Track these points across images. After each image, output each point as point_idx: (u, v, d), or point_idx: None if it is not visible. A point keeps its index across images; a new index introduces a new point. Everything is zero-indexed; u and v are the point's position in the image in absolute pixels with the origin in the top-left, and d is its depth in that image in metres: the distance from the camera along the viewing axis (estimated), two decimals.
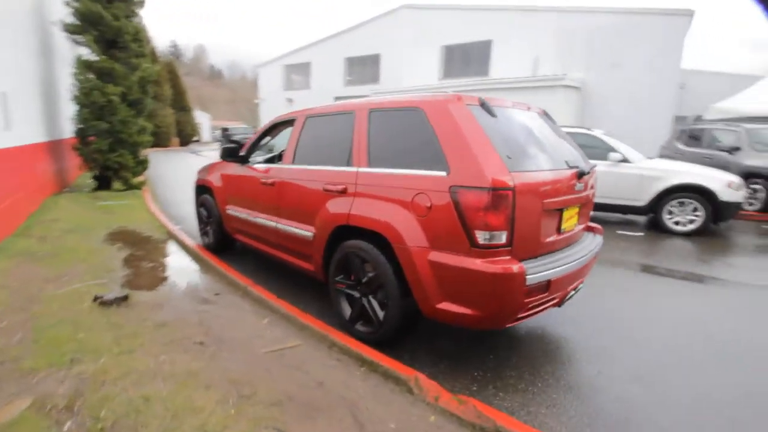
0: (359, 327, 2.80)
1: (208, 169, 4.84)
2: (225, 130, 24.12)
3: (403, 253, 2.40)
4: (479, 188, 2.12)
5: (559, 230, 2.55)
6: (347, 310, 2.90)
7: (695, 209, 6.02)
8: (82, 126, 7.55)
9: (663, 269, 4.64)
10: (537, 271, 2.22)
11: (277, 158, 4.40)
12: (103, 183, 8.30)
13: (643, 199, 6.25)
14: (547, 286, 2.31)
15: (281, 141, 4.95)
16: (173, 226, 5.78)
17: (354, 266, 2.79)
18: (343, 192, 2.82)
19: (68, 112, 7.85)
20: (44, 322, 2.83)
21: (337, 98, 23.19)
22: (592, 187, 2.93)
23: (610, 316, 3.37)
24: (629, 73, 14.77)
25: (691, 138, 9.47)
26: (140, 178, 9.03)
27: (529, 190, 2.26)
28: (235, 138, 21.90)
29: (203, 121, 43.58)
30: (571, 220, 2.66)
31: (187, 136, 33.71)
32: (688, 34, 14.47)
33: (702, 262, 5.04)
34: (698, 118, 15.02)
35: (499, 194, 2.11)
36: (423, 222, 2.35)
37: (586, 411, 2.17)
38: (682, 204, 6.10)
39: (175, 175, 13.52)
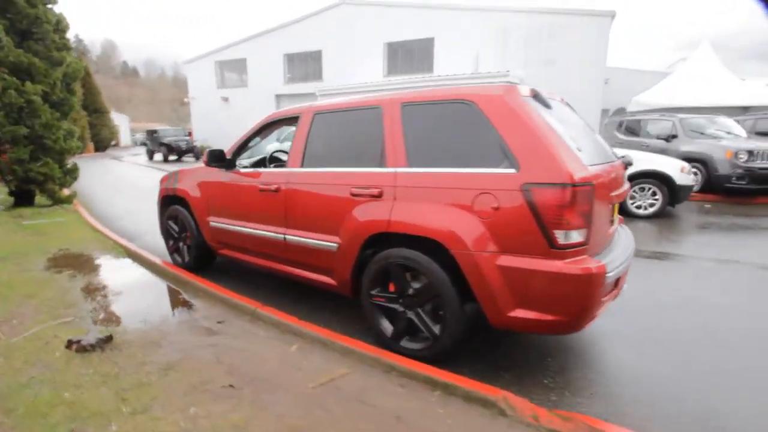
0: (406, 344, 2.53)
1: (178, 176, 4.22)
2: (152, 132, 21.91)
3: (467, 260, 2.18)
4: (559, 185, 1.97)
5: (612, 223, 2.49)
6: (388, 326, 2.62)
7: (654, 193, 6.51)
8: None
9: (645, 251, 4.90)
10: (612, 268, 2.13)
11: (269, 161, 3.93)
12: (23, 198, 7.04)
13: None
14: (617, 281, 2.23)
15: (263, 144, 4.47)
16: (130, 244, 5.00)
17: (396, 277, 2.51)
18: (378, 196, 2.53)
19: None
20: (11, 383, 2.20)
21: (279, 96, 22.17)
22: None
23: (626, 301, 3.41)
24: (562, 70, 15.79)
25: (629, 128, 10.31)
26: (67, 191, 7.80)
27: (602, 184, 2.16)
28: (166, 141, 20.05)
29: (121, 123, 39.44)
30: (616, 212, 2.63)
31: (104, 141, 30.39)
32: (611, 33, 15.80)
33: (672, 242, 5.43)
34: (620, 111, 16.60)
35: (580, 190, 1.97)
36: (488, 224, 2.14)
37: (665, 403, 2.12)
38: (642, 189, 6.56)
39: (105, 184, 12.00)
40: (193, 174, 4.07)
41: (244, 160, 3.98)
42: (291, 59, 21.67)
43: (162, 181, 4.53)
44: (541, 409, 1.94)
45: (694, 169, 8.19)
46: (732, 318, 3.15)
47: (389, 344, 2.59)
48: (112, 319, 3.06)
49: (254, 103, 22.14)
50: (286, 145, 10.13)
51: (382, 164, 2.58)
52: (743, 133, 8.89)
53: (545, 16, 16.34)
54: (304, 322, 2.85)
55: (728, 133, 8.65)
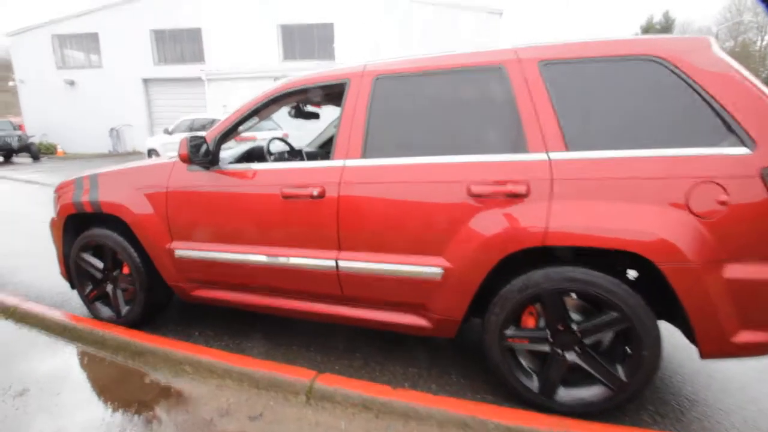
0: (566, 397, 1.85)
1: (97, 181, 2.71)
2: None
3: (684, 276, 1.59)
4: None
5: None
6: (528, 378, 1.89)
7: None
8: None
9: None
10: None
11: (268, 154, 2.71)
12: None
13: None
14: None
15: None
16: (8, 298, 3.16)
17: (553, 308, 1.80)
18: (523, 195, 1.76)
19: None
20: None
21: (147, 80, 18.55)
22: None
23: None
24: None
25: None
26: None
27: None
28: None
29: None
30: None
31: None
32: (500, 31, 16.98)
33: None
34: None
35: None
36: (712, 225, 1.58)
37: None
38: None
39: None
40: (131, 176, 2.65)
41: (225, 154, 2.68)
42: (161, 37, 18.26)
43: (59, 190, 2.92)
44: None
45: None
46: None
47: (537, 401, 1.87)
48: None
49: (113, 88, 18.23)
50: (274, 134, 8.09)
51: (520, 148, 1.81)
52: None
53: (443, 8, 16.76)
54: (406, 391, 1.93)
55: None
